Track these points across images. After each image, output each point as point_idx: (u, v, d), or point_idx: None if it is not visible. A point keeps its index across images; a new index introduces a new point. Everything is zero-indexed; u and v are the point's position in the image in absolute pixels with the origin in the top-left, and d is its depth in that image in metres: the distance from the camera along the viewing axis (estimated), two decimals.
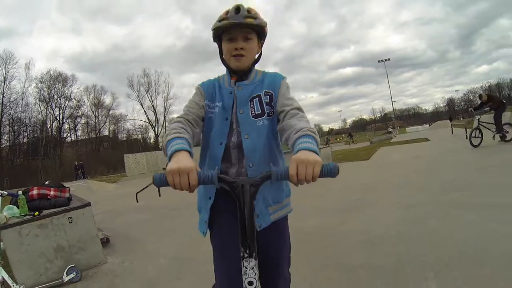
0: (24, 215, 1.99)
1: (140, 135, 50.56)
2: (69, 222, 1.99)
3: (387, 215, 3.20)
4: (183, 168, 0.76)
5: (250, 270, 0.74)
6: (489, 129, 7.61)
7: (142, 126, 50.28)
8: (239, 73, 1.11)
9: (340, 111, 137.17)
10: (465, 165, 5.39)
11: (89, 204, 2.15)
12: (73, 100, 43.17)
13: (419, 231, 2.66)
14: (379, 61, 58.66)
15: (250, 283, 0.73)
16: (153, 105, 48.93)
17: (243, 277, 0.74)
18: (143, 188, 7.22)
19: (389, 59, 57.00)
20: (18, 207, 2.02)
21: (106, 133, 48.47)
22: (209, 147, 1.10)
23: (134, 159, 24.13)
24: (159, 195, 6.33)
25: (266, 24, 1.10)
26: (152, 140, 49.91)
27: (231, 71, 1.13)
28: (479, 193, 3.46)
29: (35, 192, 2.13)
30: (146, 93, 48.30)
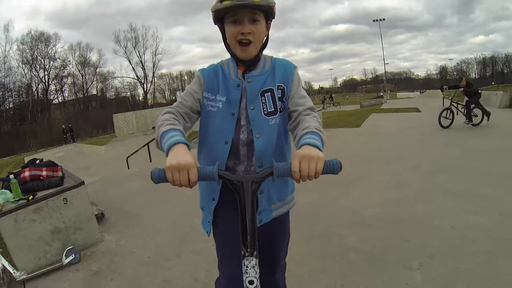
0: (18, 200, 1.94)
1: (129, 93, 49.30)
2: (64, 203, 1.96)
3: (379, 194, 3.28)
4: (183, 164, 0.74)
5: (251, 269, 0.74)
6: (460, 111, 7.40)
7: (130, 83, 49.05)
8: (247, 62, 0.99)
9: (331, 69, 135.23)
10: (455, 146, 5.44)
11: (82, 182, 2.10)
12: (58, 60, 41.49)
13: (407, 215, 2.77)
14: (373, 20, 57.31)
15: (251, 282, 0.73)
16: (141, 61, 47.39)
17: (243, 276, 0.74)
18: (134, 152, 7.18)
19: (384, 19, 55.56)
20: (11, 191, 1.97)
21: (94, 92, 47.24)
22: (210, 145, 1.03)
23: (124, 118, 23.59)
24: (150, 161, 6.32)
25: (275, 3, 0.96)
26: (141, 97, 49.04)
27: (237, 59, 1.00)
28: (466, 179, 3.57)
29: (26, 174, 2.06)
30: (134, 48, 46.79)
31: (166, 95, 54.49)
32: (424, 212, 2.81)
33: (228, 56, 1.07)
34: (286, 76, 1.04)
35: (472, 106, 7.18)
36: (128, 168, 6.09)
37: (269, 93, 1.01)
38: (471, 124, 7.08)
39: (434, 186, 3.45)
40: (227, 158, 1.01)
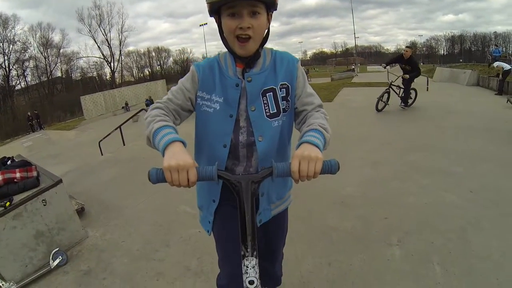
0: None
1: (95, 73, 46.51)
2: (44, 205, 1.83)
3: (356, 172, 3.35)
4: (183, 164, 0.73)
5: (251, 269, 0.74)
6: (396, 93, 6.88)
7: (96, 62, 46.34)
8: (246, 59, 0.92)
9: (301, 42, 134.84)
10: (426, 123, 5.60)
11: (60, 181, 1.97)
12: (18, 43, 37.78)
13: (384, 192, 2.90)
14: None
15: (251, 282, 0.73)
16: (107, 39, 44.76)
17: (243, 276, 0.74)
18: (105, 136, 6.87)
19: None
20: None
21: (59, 74, 43.98)
22: (208, 148, 0.99)
23: (92, 100, 22.58)
24: (123, 144, 6.08)
25: None
26: (108, 77, 46.58)
27: (235, 56, 0.92)
28: (437, 157, 3.75)
29: None
30: (99, 26, 43.98)
31: (134, 72, 52.03)
32: (400, 189, 2.95)
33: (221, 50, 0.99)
34: (289, 73, 0.97)
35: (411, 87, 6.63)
36: (102, 154, 5.82)
37: (271, 93, 0.95)
38: (402, 107, 6.75)
39: (407, 164, 3.59)
40: (226, 161, 0.98)
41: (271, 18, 0.92)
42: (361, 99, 9.01)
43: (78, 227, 2.16)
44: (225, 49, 0.96)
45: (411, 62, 6.39)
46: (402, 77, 6.43)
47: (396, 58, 6.75)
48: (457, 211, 2.48)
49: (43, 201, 1.83)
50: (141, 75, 51.64)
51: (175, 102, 0.97)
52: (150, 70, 53.62)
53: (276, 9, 0.90)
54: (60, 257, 1.86)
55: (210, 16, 0.92)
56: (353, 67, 29.29)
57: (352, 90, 11.54)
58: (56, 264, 1.83)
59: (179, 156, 0.74)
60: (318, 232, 2.30)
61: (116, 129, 6.56)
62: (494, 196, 2.65)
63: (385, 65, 6.69)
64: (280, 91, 0.96)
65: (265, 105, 0.95)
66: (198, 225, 2.44)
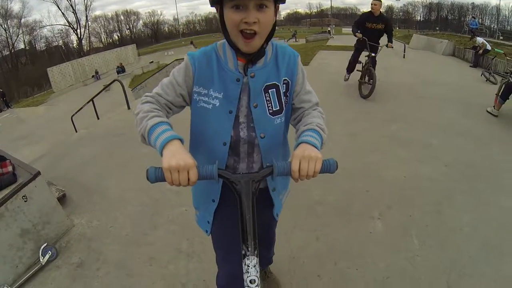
0: None
1: (61, 41, 42.49)
2: (25, 201, 1.71)
3: (336, 145, 3.37)
4: (183, 165, 0.72)
5: (252, 268, 0.74)
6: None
7: (62, 30, 41.91)
8: (249, 55, 0.86)
9: None
10: (404, 92, 5.66)
11: (39, 173, 1.83)
12: None
13: (365, 164, 2.99)
14: None
15: (252, 281, 0.73)
16: (71, 5, 40.18)
17: (244, 276, 0.74)
18: (78, 110, 6.48)
19: None
20: None
21: (22, 46, 39.35)
22: (206, 146, 0.95)
23: (59, 71, 21.34)
24: (97, 118, 5.77)
25: None
26: (75, 45, 42.85)
27: (237, 51, 0.86)
28: (416, 128, 3.87)
29: None
30: None
31: (103, 38, 47.98)
32: (380, 162, 3.06)
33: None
34: (290, 69, 0.93)
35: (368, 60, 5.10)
36: (76, 131, 5.50)
37: (274, 89, 0.91)
38: (363, 95, 5.22)
39: (387, 136, 3.68)
40: (226, 159, 0.95)
41: (278, 10, 0.84)
42: (337, 63, 8.78)
43: (63, 217, 2.08)
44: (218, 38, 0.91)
45: (383, 18, 5.03)
46: (387, 46, 5.05)
47: (364, 17, 5.10)
48: (433, 184, 2.65)
49: (23, 198, 1.71)
50: (110, 40, 47.78)
51: (165, 98, 0.91)
52: (119, 35, 49.49)
53: (284, 2, 0.82)
54: (49, 252, 1.80)
55: (212, 5, 0.83)
56: (329, 29, 28.41)
57: (328, 54, 11.27)
58: (47, 260, 1.78)
59: (179, 156, 0.73)
60: (304, 207, 2.36)
61: (88, 102, 6.15)
62: (466, 170, 2.85)
63: (360, 34, 4.97)
64: (282, 86, 0.93)
65: (268, 102, 0.91)
66: (183, 203, 2.50)
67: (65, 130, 6.53)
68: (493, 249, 1.92)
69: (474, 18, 17.96)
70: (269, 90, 0.91)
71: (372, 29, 5.04)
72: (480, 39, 8.90)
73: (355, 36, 5.09)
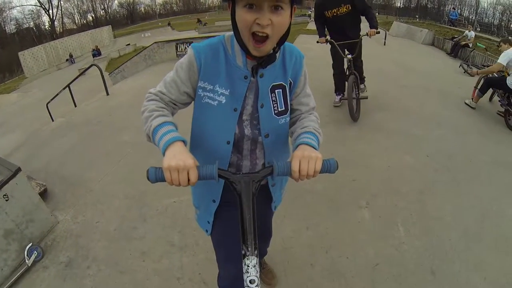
0: None
1: (32, 23, 39.27)
2: (6, 200, 1.59)
3: (322, 131, 3.44)
4: (183, 165, 0.72)
5: (252, 268, 0.74)
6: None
7: (33, 11, 38.63)
8: (259, 58, 0.83)
9: None
10: (387, 80, 5.70)
11: (19, 169, 1.71)
12: None
13: (351, 153, 3.04)
14: None
15: (252, 281, 0.73)
16: None
17: (244, 276, 0.74)
18: (53, 97, 6.10)
19: None
20: None
21: None
22: (209, 145, 0.93)
23: (31, 55, 19.97)
24: (75, 105, 5.49)
25: None
26: (47, 26, 39.90)
27: (247, 52, 0.82)
28: (399, 118, 3.95)
29: None
30: None
31: (76, 19, 44.88)
32: (365, 151, 3.13)
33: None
34: (296, 70, 0.92)
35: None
36: (52, 119, 5.19)
37: (280, 90, 0.90)
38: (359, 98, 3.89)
39: (371, 124, 3.74)
40: (230, 158, 0.94)
41: (294, 12, 0.79)
42: (319, 48, 8.74)
43: (46, 214, 1.97)
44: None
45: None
46: (368, 35, 3.46)
47: (319, 5, 3.62)
48: (416, 174, 2.76)
49: (4, 197, 1.60)
50: (84, 21, 44.77)
51: (168, 96, 0.89)
52: (93, 15, 46.45)
53: (301, 3, 0.77)
54: (35, 252, 1.71)
55: (224, 1, 0.78)
56: (309, 12, 27.89)
57: (308, 38, 11.13)
58: (33, 260, 1.70)
59: (179, 156, 0.73)
60: (294, 196, 2.38)
61: (64, 88, 5.79)
62: (446, 161, 2.98)
63: (323, 39, 3.69)
64: (288, 88, 0.92)
65: (274, 102, 0.90)
66: (171, 194, 2.47)
67: (41, 118, 6.14)
68: (473, 236, 2.06)
69: (454, 9, 18.45)
70: (276, 90, 0.90)
71: (335, 17, 3.51)
72: (471, 34, 9.04)
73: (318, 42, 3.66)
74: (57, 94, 5.88)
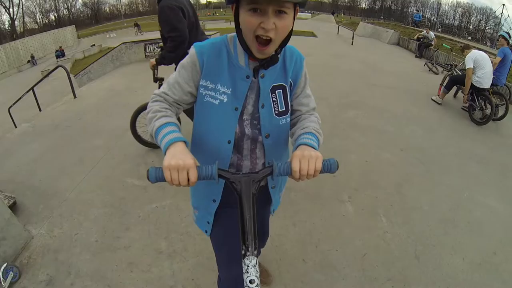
0: None
1: None
2: None
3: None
4: (183, 165, 0.72)
5: (252, 268, 0.74)
6: None
7: None
8: (262, 60, 0.84)
9: None
10: (357, 79, 5.94)
11: None
12: None
13: (327, 149, 3.09)
14: None
15: (252, 282, 0.73)
16: None
17: (244, 276, 0.74)
18: (16, 101, 5.63)
19: None
20: None
21: None
22: (210, 144, 0.93)
23: None
24: (39, 110, 5.11)
25: None
26: (7, 26, 36.80)
27: (250, 52, 0.83)
28: (372, 115, 4.16)
29: None
30: None
31: (38, 18, 41.89)
32: (341, 147, 3.25)
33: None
34: (296, 71, 0.93)
35: None
36: (15, 126, 4.77)
37: (281, 90, 0.91)
38: None
39: (345, 121, 3.89)
40: (230, 157, 0.93)
41: (296, 14, 0.80)
42: (292, 45, 9.05)
43: (19, 230, 1.80)
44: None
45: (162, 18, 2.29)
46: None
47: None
48: (392, 168, 2.92)
49: None
50: (46, 21, 41.90)
51: (172, 97, 0.89)
52: (56, 14, 43.55)
53: (304, 6, 0.78)
54: (11, 272, 1.55)
55: (228, 3, 0.78)
56: None
57: None
58: (10, 282, 1.54)
59: (179, 156, 0.73)
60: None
61: (28, 91, 5.37)
62: (419, 154, 3.19)
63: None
64: (288, 88, 0.94)
65: (274, 103, 0.91)
66: (152, 199, 2.40)
67: (2, 124, 5.64)
68: (449, 222, 2.23)
69: (418, 12, 19.73)
70: (276, 91, 0.91)
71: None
72: (431, 34, 9.63)
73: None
74: (20, 98, 5.43)
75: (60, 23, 39.90)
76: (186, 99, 0.91)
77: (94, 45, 21.68)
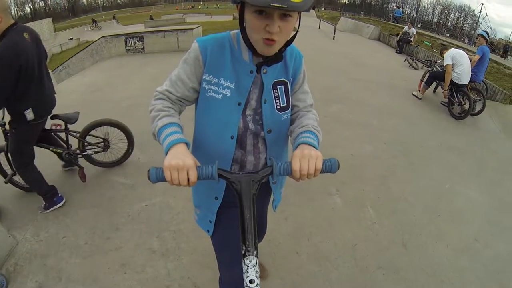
0: None
1: None
2: None
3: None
4: (183, 164, 0.72)
5: (252, 268, 0.74)
6: None
7: None
8: (265, 57, 0.85)
9: None
10: (338, 73, 6.01)
11: None
12: None
13: None
14: None
15: (252, 281, 0.73)
16: None
17: (244, 275, 0.74)
18: None
19: None
20: None
21: None
22: (212, 140, 0.93)
23: None
24: None
25: None
26: None
27: (253, 50, 0.84)
28: (355, 110, 4.24)
29: None
30: None
31: (13, 10, 39.58)
32: (327, 141, 3.28)
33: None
34: (295, 68, 0.95)
35: None
36: None
37: (282, 86, 0.92)
38: None
39: (329, 116, 3.96)
40: (234, 153, 0.94)
41: (300, 17, 0.81)
42: None
43: (3, 235, 1.71)
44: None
45: None
46: None
47: None
48: (377, 161, 3.02)
49: None
50: (22, 13, 39.69)
51: (175, 94, 0.89)
52: (31, 7, 41.12)
53: (309, 10, 0.78)
54: None
55: (233, 2, 0.79)
56: None
57: None
58: None
59: (180, 156, 0.74)
60: None
61: None
62: (401, 147, 3.31)
63: None
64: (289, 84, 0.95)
65: (276, 98, 0.92)
66: (142, 197, 2.36)
67: None
68: (432, 211, 2.35)
69: (399, 8, 20.21)
70: (278, 87, 0.92)
71: None
72: (413, 30, 9.79)
73: None
74: None
75: (36, 15, 37.95)
76: (189, 95, 0.91)
77: (72, 38, 20.69)
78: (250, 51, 0.85)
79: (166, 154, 0.76)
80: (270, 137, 0.95)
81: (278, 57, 0.85)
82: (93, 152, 2.56)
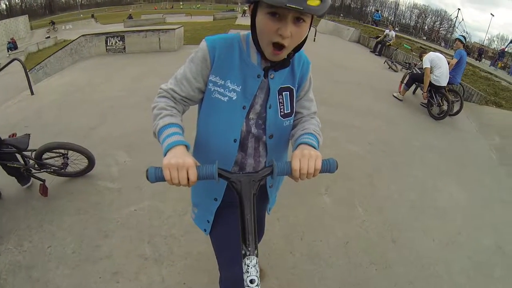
0: None
1: None
2: None
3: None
4: (182, 163, 0.72)
5: (252, 268, 0.74)
6: None
7: None
8: (273, 62, 0.85)
9: None
10: (322, 75, 6.03)
11: None
12: None
13: None
14: None
15: (252, 281, 0.73)
16: None
17: (244, 275, 0.74)
18: None
19: None
20: None
21: None
22: (215, 143, 0.93)
23: None
24: None
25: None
26: None
27: (262, 54, 0.84)
28: (340, 111, 4.34)
29: None
30: None
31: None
32: None
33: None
34: (302, 75, 0.96)
35: None
36: None
37: (288, 92, 0.93)
38: None
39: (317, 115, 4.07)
40: (236, 156, 0.94)
41: (312, 23, 0.81)
42: None
43: None
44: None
45: None
46: None
47: None
48: (362, 161, 3.11)
49: None
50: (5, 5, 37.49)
51: (179, 94, 0.88)
52: (7, 3, 38.79)
53: (323, 16, 0.78)
54: None
55: (246, 2, 0.78)
56: (242, 8, 27.96)
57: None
58: None
59: (179, 156, 0.73)
60: None
61: None
62: (385, 147, 3.43)
63: None
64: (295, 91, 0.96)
65: (281, 104, 0.93)
66: (129, 202, 2.31)
67: None
68: (417, 209, 2.46)
69: (378, 11, 20.88)
70: (283, 93, 0.92)
71: None
72: (392, 33, 10.13)
73: None
74: None
75: (11, 12, 36.02)
76: (194, 96, 0.89)
77: (49, 37, 19.85)
78: (259, 54, 0.85)
79: (165, 154, 0.75)
80: (271, 142, 0.95)
81: (286, 62, 0.85)
82: (52, 170, 2.39)
